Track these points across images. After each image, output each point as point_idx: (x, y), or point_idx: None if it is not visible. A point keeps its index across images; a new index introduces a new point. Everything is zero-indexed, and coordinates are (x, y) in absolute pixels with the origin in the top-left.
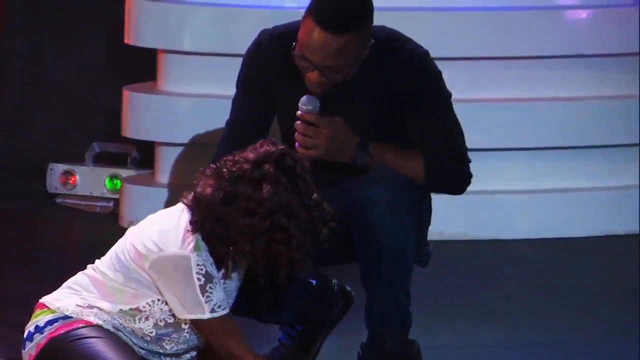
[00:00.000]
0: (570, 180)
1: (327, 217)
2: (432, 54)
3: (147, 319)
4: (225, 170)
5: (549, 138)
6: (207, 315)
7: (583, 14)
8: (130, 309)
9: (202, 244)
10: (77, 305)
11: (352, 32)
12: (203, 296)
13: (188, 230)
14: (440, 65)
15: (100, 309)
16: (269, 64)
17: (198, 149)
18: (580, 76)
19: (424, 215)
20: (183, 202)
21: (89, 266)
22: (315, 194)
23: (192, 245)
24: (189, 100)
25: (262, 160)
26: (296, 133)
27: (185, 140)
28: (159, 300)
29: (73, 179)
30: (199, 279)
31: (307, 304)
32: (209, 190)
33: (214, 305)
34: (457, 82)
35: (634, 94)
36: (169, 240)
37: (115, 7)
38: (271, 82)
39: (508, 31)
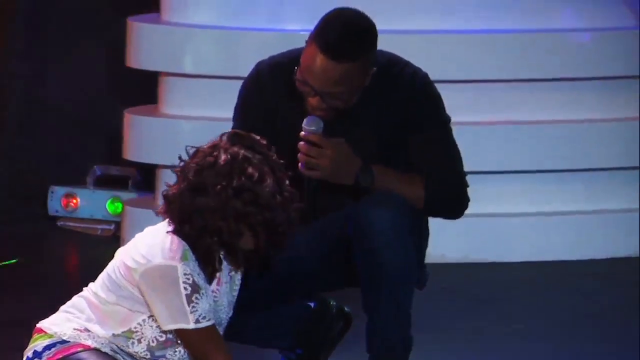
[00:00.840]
0: (571, 203)
1: (289, 190)
2: (433, 77)
3: (139, 341)
4: (185, 166)
5: (550, 161)
6: (191, 325)
7: (584, 36)
8: (123, 332)
9: (190, 254)
10: (75, 329)
11: (355, 60)
12: (189, 306)
13: (173, 238)
14: (440, 87)
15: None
16: (269, 93)
17: None
18: (581, 99)
19: (423, 238)
20: (156, 212)
21: (84, 288)
22: (274, 155)
23: (179, 254)
24: (191, 123)
25: (215, 143)
26: (299, 154)
27: None
28: (149, 317)
29: (74, 201)
30: (185, 289)
31: (307, 326)
32: (174, 189)
33: (199, 316)
34: (457, 104)
35: (635, 116)
36: (156, 251)
37: (116, 29)
38: (272, 110)
39: (507, 54)
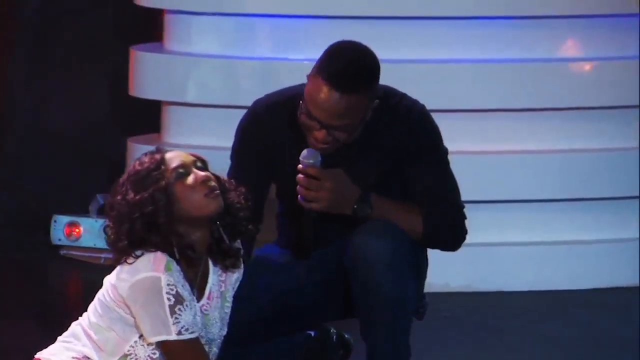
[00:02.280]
0: (574, 233)
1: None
2: (431, 106)
3: None
4: (109, 203)
5: (554, 190)
6: (173, 336)
7: (584, 66)
8: (119, 359)
9: (173, 265)
10: (73, 358)
11: (360, 92)
12: (172, 317)
13: (157, 253)
14: (441, 117)
15: None
16: (267, 129)
17: None
18: (580, 128)
19: (421, 268)
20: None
21: (80, 317)
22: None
23: (162, 265)
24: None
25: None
26: (298, 186)
27: None
28: (140, 337)
29: (77, 230)
30: (168, 299)
31: (307, 355)
32: (110, 230)
33: (182, 327)
34: (457, 134)
35: (634, 146)
36: (140, 266)
37: (118, 58)
38: (268, 149)
39: (509, 83)
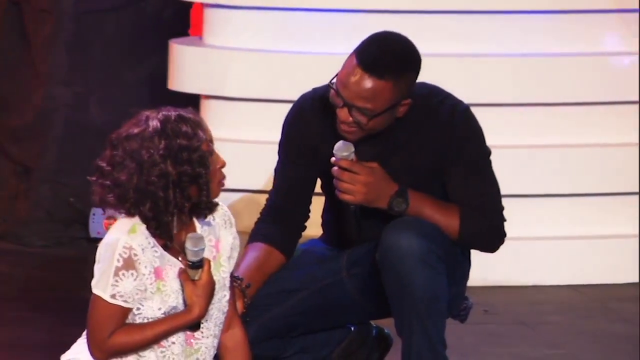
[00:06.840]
0: (613, 226)
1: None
2: (477, 100)
3: None
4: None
5: (596, 184)
6: (106, 296)
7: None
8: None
9: (141, 228)
10: None
11: (389, 80)
12: (113, 278)
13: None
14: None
15: None
16: (311, 127)
17: (241, 195)
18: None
19: (463, 268)
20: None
21: None
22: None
23: (127, 227)
24: (232, 145)
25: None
26: (334, 179)
27: (229, 186)
28: (140, 306)
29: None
30: (118, 260)
31: (347, 350)
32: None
33: (117, 292)
34: (496, 127)
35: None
36: (112, 229)
37: (158, 53)
38: (314, 145)
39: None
